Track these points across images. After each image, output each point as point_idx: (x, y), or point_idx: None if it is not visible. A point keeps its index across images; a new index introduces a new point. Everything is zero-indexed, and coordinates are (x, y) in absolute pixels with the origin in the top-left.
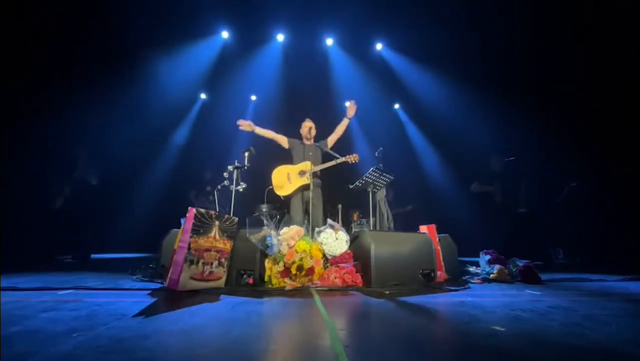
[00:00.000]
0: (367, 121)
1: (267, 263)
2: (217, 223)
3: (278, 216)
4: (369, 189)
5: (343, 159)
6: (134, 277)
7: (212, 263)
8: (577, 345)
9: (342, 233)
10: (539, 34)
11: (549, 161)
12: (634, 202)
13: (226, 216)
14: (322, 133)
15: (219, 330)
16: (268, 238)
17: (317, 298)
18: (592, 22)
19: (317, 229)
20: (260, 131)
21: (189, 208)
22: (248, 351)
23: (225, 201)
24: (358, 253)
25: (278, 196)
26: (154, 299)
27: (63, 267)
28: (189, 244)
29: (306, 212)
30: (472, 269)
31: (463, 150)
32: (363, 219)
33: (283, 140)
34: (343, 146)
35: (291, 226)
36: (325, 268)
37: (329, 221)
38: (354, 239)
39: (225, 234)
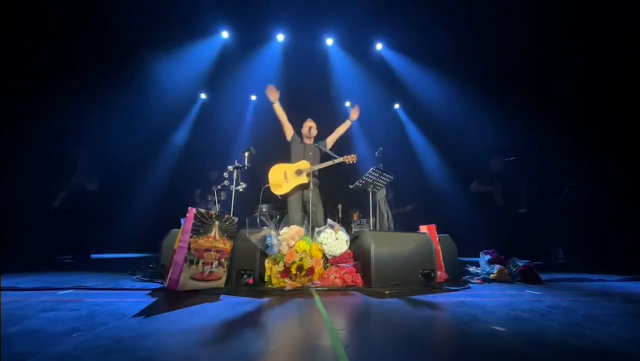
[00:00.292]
0: (367, 121)
1: (267, 263)
2: (217, 223)
3: (278, 216)
4: (369, 189)
5: (341, 159)
6: (134, 277)
7: (212, 263)
8: (577, 345)
9: (342, 233)
10: (539, 34)
11: (549, 161)
12: (634, 202)
13: (226, 216)
14: (322, 133)
15: (219, 330)
16: (268, 238)
17: (317, 298)
18: (592, 22)
19: (317, 229)
20: (279, 108)
21: (189, 208)
22: (248, 351)
23: (230, 202)
24: (358, 253)
25: (276, 196)
26: (154, 299)
27: (63, 267)
28: (189, 244)
29: (305, 212)
30: (472, 269)
31: (463, 150)
32: (363, 219)
33: (289, 131)
34: (343, 146)
35: (291, 226)
36: (325, 268)
37: (329, 221)
38: (354, 239)
39: (225, 234)
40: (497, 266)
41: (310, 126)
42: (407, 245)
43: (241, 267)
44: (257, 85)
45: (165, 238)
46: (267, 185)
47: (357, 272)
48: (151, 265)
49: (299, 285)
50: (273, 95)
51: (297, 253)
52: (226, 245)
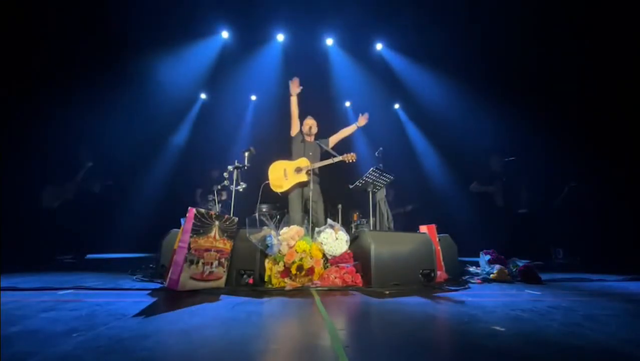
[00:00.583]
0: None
1: (267, 263)
2: (217, 223)
3: (278, 216)
4: (369, 189)
5: (340, 158)
6: (134, 277)
7: (212, 263)
8: (577, 345)
9: (342, 233)
10: (539, 34)
11: (549, 161)
12: (634, 202)
13: (226, 216)
14: (322, 133)
15: (219, 330)
16: (268, 238)
17: (317, 298)
18: (592, 22)
19: (317, 229)
20: (295, 103)
21: (189, 208)
22: (248, 351)
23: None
24: (358, 253)
25: (277, 195)
26: (154, 299)
27: (63, 267)
28: (189, 244)
29: (305, 211)
30: (472, 269)
31: (463, 150)
32: (363, 219)
33: (296, 126)
34: (343, 145)
35: (291, 226)
36: (325, 268)
37: (329, 221)
38: (354, 239)
39: (225, 234)
40: (497, 266)
41: (310, 124)
42: (407, 245)
43: (241, 267)
44: (257, 85)
45: (165, 238)
46: (266, 182)
47: (357, 272)
48: (151, 265)
49: (299, 285)
50: (295, 88)
51: (297, 253)
52: (226, 245)
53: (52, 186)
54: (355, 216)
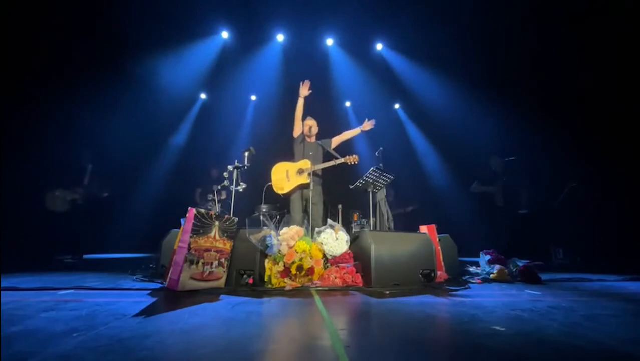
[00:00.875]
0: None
1: (267, 263)
2: (217, 223)
3: (278, 216)
4: (369, 189)
5: (343, 160)
6: (134, 277)
7: (212, 263)
8: (577, 345)
9: (342, 233)
10: (540, 34)
11: (549, 161)
12: (634, 202)
13: (226, 216)
14: (323, 133)
15: (219, 330)
16: (268, 238)
17: (317, 298)
18: (593, 22)
19: (317, 229)
20: (301, 105)
21: (189, 208)
22: (248, 351)
23: (230, 202)
24: (358, 253)
25: (278, 195)
26: (154, 299)
27: (63, 267)
28: (189, 244)
29: (306, 211)
30: (472, 269)
31: (463, 150)
32: (363, 219)
33: (299, 128)
34: (343, 145)
35: (291, 226)
36: (325, 268)
37: (329, 221)
38: (354, 239)
39: (225, 234)
40: (497, 266)
41: (310, 125)
42: (407, 245)
43: (241, 267)
44: (257, 85)
45: (165, 238)
46: (269, 183)
47: (357, 272)
48: (151, 265)
49: (299, 285)
50: (305, 90)
51: (297, 253)
52: (226, 245)
53: (60, 190)
54: (355, 216)
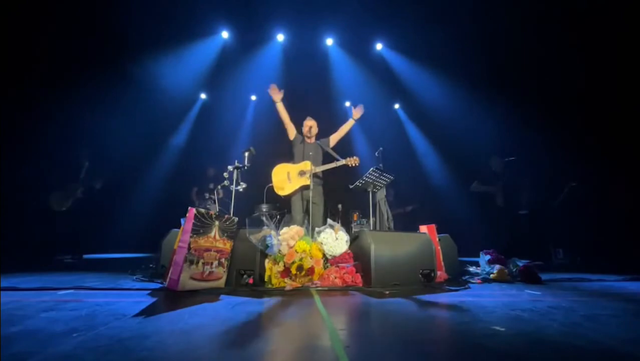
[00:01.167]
0: (367, 121)
1: (267, 263)
2: (217, 223)
3: (278, 216)
4: (369, 189)
5: (343, 161)
6: (134, 277)
7: (212, 263)
8: (577, 345)
9: (342, 233)
10: (540, 34)
11: (549, 161)
12: (634, 202)
13: (226, 216)
14: (323, 133)
15: (219, 330)
16: (268, 238)
17: (317, 298)
18: (593, 22)
19: (317, 229)
20: (282, 108)
21: (189, 208)
22: (248, 351)
23: (228, 201)
24: (358, 253)
25: (278, 196)
26: (154, 299)
27: (63, 267)
28: (189, 244)
29: (306, 212)
30: (472, 269)
31: (463, 150)
32: (363, 219)
33: (292, 130)
34: (343, 146)
35: (291, 226)
36: (325, 268)
37: (329, 221)
38: (354, 239)
39: (225, 234)
40: (497, 266)
41: (310, 125)
42: (407, 245)
43: (241, 267)
44: (257, 85)
45: (165, 238)
46: (270, 185)
47: (357, 272)
48: (151, 265)
49: (299, 285)
50: (276, 94)
51: (297, 253)
52: (226, 245)
53: (59, 192)
54: (355, 216)
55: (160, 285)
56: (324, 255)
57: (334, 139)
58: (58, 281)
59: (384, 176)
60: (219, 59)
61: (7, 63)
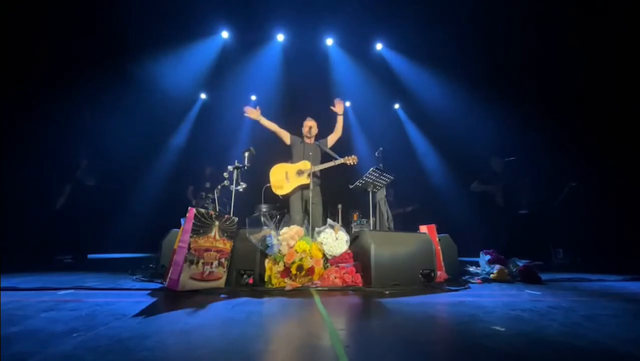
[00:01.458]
0: (367, 121)
1: (267, 263)
2: (217, 223)
3: (278, 216)
4: (369, 189)
5: (342, 160)
6: (134, 277)
7: (212, 263)
8: (577, 345)
9: (342, 233)
10: (540, 34)
11: (549, 161)
12: (634, 202)
13: (226, 216)
14: (323, 133)
15: (219, 330)
16: (268, 238)
17: (317, 298)
18: (593, 22)
19: (317, 229)
20: (266, 122)
21: (189, 208)
22: (248, 351)
23: (226, 200)
24: (358, 253)
25: (277, 196)
26: (154, 300)
27: (63, 267)
28: (189, 244)
29: (306, 211)
30: (472, 269)
31: (463, 150)
32: (363, 219)
33: (285, 135)
34: (343, 146)
35: (291, 226)
36: (325, 268)
37: (329, 221)
38: (354, 239)
39: (225, 234)
40: (497, 266)
41: (310, 126)
42: (407, 245)
43: (241, 267)
44: (257, 85)
45: (165, 238)
46: (268, 185)
47: (357, 272)
48: (151, 265)
49: (299, 285)
50: (254, 115)
51: (297, 253)
52: (226, 245)
53: (57, 186)
54: (355, 216)
55: (160, 285)
56: (324, 255)
57: (331, 139)
58: (58, 281)
59: (384, 176)
60: (219, 59)
61: (7, 63)
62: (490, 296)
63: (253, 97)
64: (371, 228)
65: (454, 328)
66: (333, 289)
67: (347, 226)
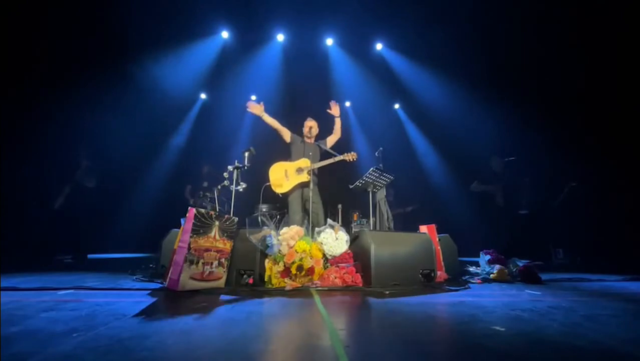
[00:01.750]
0: (367, 121)
1: (267, 263)
2: (217, 223)
3: (278, 216)
4: (369, 189)
5: (341, 157)
6: (134, 277)
7: (212, 263)
8: (577, 345)
9: (342, 233)
10: (540, 34)
11: (549, 161)
12: (634, 202)
13: (226, 216)
14: (323, 133)
15: (219, 330)
16: (268, 238)
17: (317, 298)
18: (593, 22)
19: (317, 229)
20: (268, 118)
21: (189, 208)
22: (248, 351)
23: (225, 200)
24: (358, 253)
25: (277, 195)
26: (154, 300)
27: (63, 267)
28: (189, 244)
29: (305, 210)
30: (472, 269)
31: (463, 150)
32: (363, 219)
33: (286, 133)
34: (343, 146)
35: (291, 226)
36: (325, 268)
37: (329, 221)
38: (354, 239)
39: (225, 234)
40: (497, 266)
41: (310, 126)
42: (407, 245)
43: (241, 267)
44: (257, 85)
45: (165, 238)
46: (267, 183)
47: (357, 272)
48: (151, 265)
49: (299, 285)
50: (256, 110)
51: (297, 253)
52: (226, 245)
53: (53, 186)
54: (355, 216)
55: (160, 285)
56: (324, 255)
57: (330, 141)
58: (58, 281)
59: (384, 176)
60: (219, 59)
61: (7, 63)
62: (490, 296)
63: (253, 98)
64: (371, 228)
65: (454, 328)
66: (333, 289)
67: (347, 226)
